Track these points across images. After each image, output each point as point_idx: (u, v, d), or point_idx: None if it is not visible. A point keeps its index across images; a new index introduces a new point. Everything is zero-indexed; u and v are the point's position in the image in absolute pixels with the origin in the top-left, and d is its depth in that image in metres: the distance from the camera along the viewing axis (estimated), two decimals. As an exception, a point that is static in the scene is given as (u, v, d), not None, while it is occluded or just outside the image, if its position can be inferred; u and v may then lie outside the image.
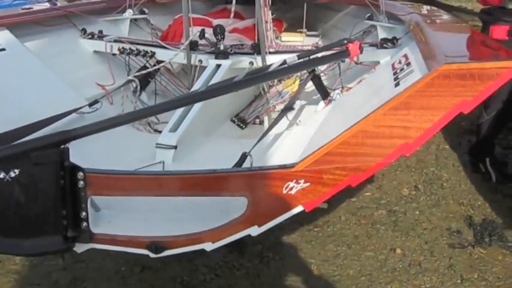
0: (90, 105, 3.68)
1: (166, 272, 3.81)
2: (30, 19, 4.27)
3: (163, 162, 3.18)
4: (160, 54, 4.50)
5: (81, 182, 2.20)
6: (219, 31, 4.23)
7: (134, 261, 3.86)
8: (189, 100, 2.71)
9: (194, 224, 2.20)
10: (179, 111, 3.50)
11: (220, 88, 2.51)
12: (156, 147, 3.24)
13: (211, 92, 2.70)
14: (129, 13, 5.34)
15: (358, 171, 2.00)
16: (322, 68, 4.72)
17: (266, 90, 4.45)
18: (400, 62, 2.93)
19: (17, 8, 4.50)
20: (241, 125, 4.34)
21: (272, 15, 5.99)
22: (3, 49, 3.67)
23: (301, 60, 2.82)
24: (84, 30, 4.73)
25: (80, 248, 2.28)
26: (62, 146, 2.17)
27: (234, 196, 2.12)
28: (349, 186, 2.05)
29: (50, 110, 3.47)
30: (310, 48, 4.78)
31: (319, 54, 3.18)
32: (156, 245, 2.20)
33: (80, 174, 2.20)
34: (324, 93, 4.29)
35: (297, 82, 4.66)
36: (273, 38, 5.79)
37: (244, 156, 2.54)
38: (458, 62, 2.06)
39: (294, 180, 2.02)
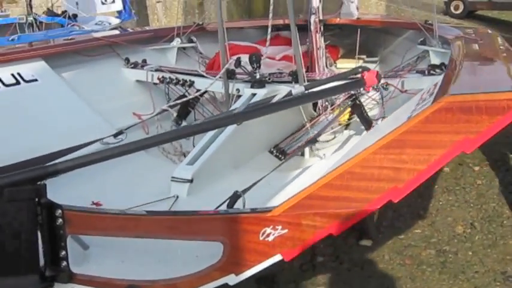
0: (115, 135, 3.63)
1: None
2: (71, 49, 4.33)
3: (177, 197, 3.06)
4: (199, 83, 4.43)
5: (59, 220, 2.10)
6: (255, 59, 4.10)
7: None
8: (184, 132, 2.55)
9: (172, 269, 2.04)
10: (201, 143, 3.39)
11: (210, 122, 2.35)
12: (171, 180, 3.12)
13: (205, 125, 2.54)
14: (177, 42, 5.35)
15: (340, 218, 1.77)
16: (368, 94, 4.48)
17: (306, 119, 4.25)
18: (428, 91, 2.66)
19: (59, 39, 4.60)
20: (280, 156, 4.15)
21: (326, 41, 5.83)
22: (35, 80, 3.72)
23: (308, 91, 2.61)
24: (127, 60, 4.74)
25: (60, 287, 2.18)
26: (39, 183, 2.08)
27: (209, 240, 1.95)
28: (330, 235, 1.82)
29: (75, 140, 3.46)
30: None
31: (333, 84, 2.95)
32: (133, 290, 2.06)
33: (58, 212, 2.10)
34: (367, 123, 4.05)
35: (347, 112, 4.45)
36: (325, 65, 5.62)
37: (236, 196, 2.36)
38: (464, 93, 1.78)
39: (271, 226, 1.82)
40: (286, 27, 6.04)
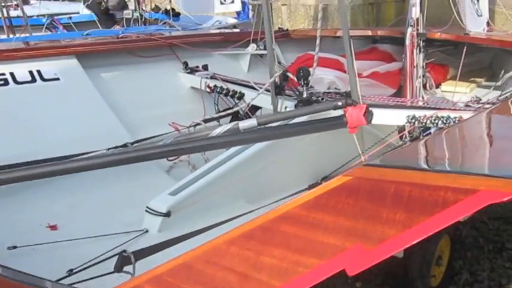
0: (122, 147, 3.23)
1: None
2: (120, 48, 4.04)
3: (146, 231, 2.58)
4: (250, 95, 3.89)
5: None
6: (303, 75, 3.47)
7: None
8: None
9: None
10: (200, 170, 2.87)
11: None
12: (145, 211, 2.65)
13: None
14: (252, 48, 4.85)
15: None
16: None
17: (359, 148, 3.52)
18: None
19: (112, 36, 4.34)
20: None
21: (430, 59, 5.01)
22: (56, 79, 3.45)
23: (260, 127, 1.95)
24: (185, 64, 4.36)
25: None
26: None
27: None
28: None
29: (73, 148, 3.13)
30: (464, 104, 3.75)
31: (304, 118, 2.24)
32: None
33: None
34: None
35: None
36: (422, 86, 4.81)
37: (123, 258, 1.81)
38: (384, 166, 1.07)
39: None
40: (386, 39, 5.30)
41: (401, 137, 3.60)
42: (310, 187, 3.32)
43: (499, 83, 5.22)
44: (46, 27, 7.32)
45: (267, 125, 1.95)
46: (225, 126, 1.85)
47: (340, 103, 1.88)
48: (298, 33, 5.26)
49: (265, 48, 4.96)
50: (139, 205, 2.78)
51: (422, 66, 4.76)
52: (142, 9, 7.02)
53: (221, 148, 2.49)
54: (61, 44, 3.93)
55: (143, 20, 6.83)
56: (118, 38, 4.15)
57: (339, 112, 1.87)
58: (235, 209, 2.76)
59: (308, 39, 5.38)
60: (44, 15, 7.41)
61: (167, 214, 2.60)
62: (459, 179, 0.99)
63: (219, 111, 3.89)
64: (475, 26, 5.68)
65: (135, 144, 3.27)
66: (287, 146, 2.97)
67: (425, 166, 1.18)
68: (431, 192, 0.98)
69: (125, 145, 3.22)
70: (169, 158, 3.14)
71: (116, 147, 3.19)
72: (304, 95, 3.48)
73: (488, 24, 6.09)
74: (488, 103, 3.36)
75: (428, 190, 1.00)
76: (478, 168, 1.21)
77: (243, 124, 1.89)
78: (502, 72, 5.30)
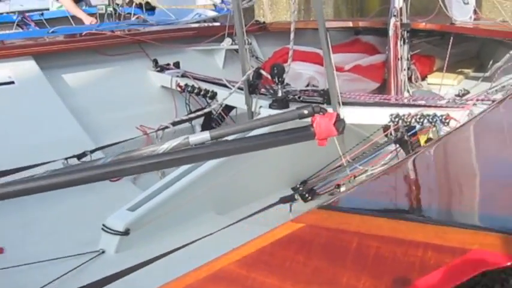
0: (79, 157, 2.96)
1: None
2: (84, 46, 3.76)
3: (102, 252, 2.33)
4: (223, 94, 3.63)
5: None
6: (277, 72, 3.22)
7: None
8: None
9: None
10: (164, 181, 2.62)
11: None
12: (102, 229, 2.40)
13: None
14: (227, 42, 4.58)
15: None
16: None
17: (341, 152, 3.28)
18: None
19: (75, 34, 4.04)
20: (307, 196, 3.25)
21: (416, 50, 4.79)
22: (11, 82, 3.18)
23: (212, 141, 1.69)
24: (155, 61, 4.08)
25: None
26: None
27: None
28: None
29: (27, 159, 2.86)
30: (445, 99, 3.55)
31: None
32: None
33: None
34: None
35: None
36: (407, 80, 4.59)
37: None
38: (346, 210, 0.82)
39: None
40: (369, 30, 5.05)
41: (386, 135, 3.37)
42: (282, 200, 3.01)
43: (487, 74, 5.00)
44: (17, 25, 6.99)
45: (221, 139, 1.71)
46: (173, 141, 1.59)
47: (306, 111, 1.62)
48: (277, 26, 5.00)
49: (241, 43, 4.69)
50: (99, 221, 2.52)
51: (407, 58, 4.55)
52: (116, 3, 6.70)
53: (168, 167, 2.24)
54: (16, 44, 3.65)
55: (117, 14, 6.51)
56: (81, 35, 3.86)
57: (307, 121, 1.64)
58: (202, 223, 2.51)
59: (287, 32, 5.12)
60: (14, 12, 7.08)
61: (125, 232, 2.35)
62: (443, 232, 0.74)
63: (191, 112, 3.63)
64: (462, 14, 5.44)
65: (95, 152, 3.01)
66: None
67: (399, 210, 0.91)
68: (406, 250, 0.73)
69: (83, 154, 2.95)
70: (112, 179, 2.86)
71: (73, 156, 2.92)
72: (279, 94, 3.23)
73: (475, 12, 5.86)
74: (478, 99, 3.13)
75: (402, 247, 0.74)
76: (474, 214, 0.91)
77: (194, 138, 1.63)
78: (491, 62, 5.08)
